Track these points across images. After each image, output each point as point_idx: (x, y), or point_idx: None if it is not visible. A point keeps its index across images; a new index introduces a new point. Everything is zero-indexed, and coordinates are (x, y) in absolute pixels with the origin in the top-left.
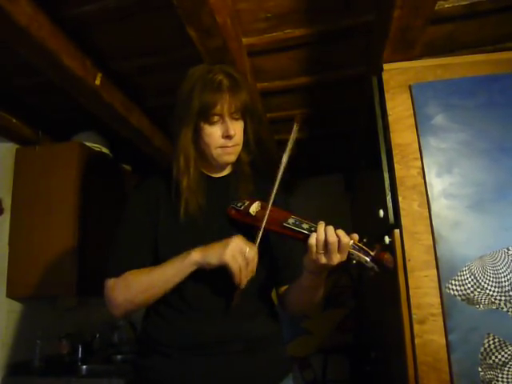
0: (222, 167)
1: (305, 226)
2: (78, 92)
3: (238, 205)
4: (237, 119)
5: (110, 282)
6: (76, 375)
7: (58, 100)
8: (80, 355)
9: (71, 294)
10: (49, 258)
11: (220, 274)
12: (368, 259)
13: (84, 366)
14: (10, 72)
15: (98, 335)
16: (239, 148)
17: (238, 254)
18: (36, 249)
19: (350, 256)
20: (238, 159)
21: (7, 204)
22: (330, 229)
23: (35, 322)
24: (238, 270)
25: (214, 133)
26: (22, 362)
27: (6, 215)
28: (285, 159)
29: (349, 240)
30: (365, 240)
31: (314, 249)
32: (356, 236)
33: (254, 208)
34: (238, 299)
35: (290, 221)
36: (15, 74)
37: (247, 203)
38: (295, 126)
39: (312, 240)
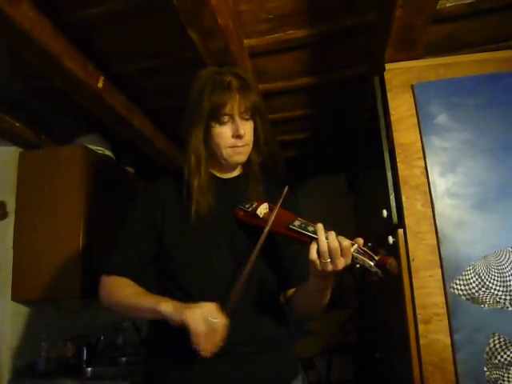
0: (233, 168)
1: (310, 228)
2: (80, 95)
3: (246, 206)
4: (247, 119)
5: (102, 279)
6: (81, 377)
7: (61, 103)
8: (85, 357)
9: (76, 296)
10: (53, 261)
11: (228, 278)
12: (372, 264)
13: (89, 369)
14: (12, 76)
15: (102, 337)
16: (249, 148)
17: (202, 318)
18: (40, 252)
19: (354, 260)
20: (249, 160)
21: (11, 207)
22: (331, 234)
23: (40, 325)
24: (196, 333)
25: (224, 133)
26: (28, 365)
27: (10, 219)
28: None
29: (349, 243)
30: (369, 244)
31: (318, 262)
32: (361, 240)
33: (262, 210)
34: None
35: (296, 223)
36: (18, 77)
37: (255, 205)
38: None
39: (312, 254)
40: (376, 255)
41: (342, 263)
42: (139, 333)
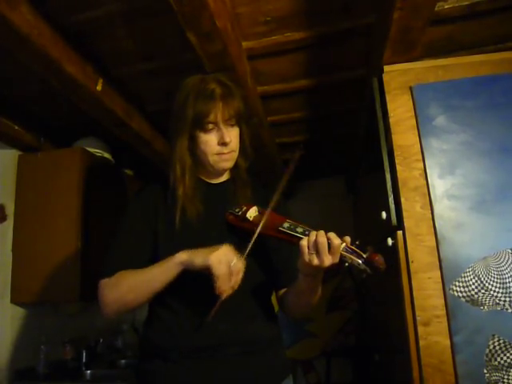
0: (220, 174)
1: (299, 229)
2: (79, 98)
3: (236, 210)
4: (232, 126)
5: (103, 282)
6: (80, 380)
7: (60, 106)
8: (84, 360)
9: (74, 299)
10: (52, 263)
11: None
12: (360, 261)
13: (88, 371)
14: (11, 79)
15: (101, 340)
16: (235, 154)
17: (224, 260)
18: (39, 255)
19: (342, 258)
20: (236, 165)
21: (10, 210)
22: (321, 231)
23: (39, 328)
24: (220, 275)
25: (209, 140)
26: (27, 368)
27: (9, 222)
28: (284, 180)
29: (339, 242)
30: (357, 242)
31: (306, 249)
32: (348, 238)
33: (251, 213)
34: (215, 313)
35: (285, 225)
36: (17, 80)
37: (244, 208)
38: (297, 154)
39: (303, 241)
40: (364, 253)
41: (328, 260)
42: (138, 335)
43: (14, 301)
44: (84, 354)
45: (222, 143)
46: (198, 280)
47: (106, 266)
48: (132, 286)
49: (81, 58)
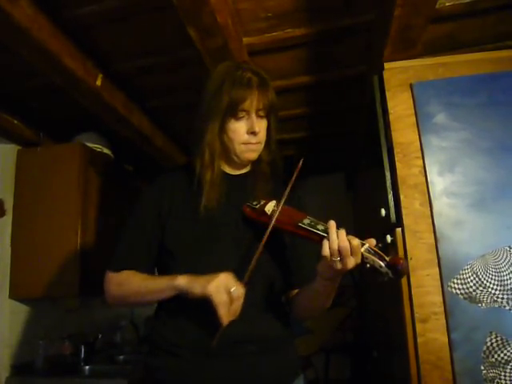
0: (242, 165)
1: (320, 227)
2: (78, 93)
3: (254, 203)
4: (262, 117)
5: (108, 276)
6: (79, 376)
7: (59, 101)
8: (82, 356)
9: (74, 294)
10: (51, 259)
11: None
12: (383, 264)
13: (87, 367)
14: (11, 74)
15: (100, 336)
16: (261, 146)
17: (223, 288)
18: (38, 250)
19: (364, 260)
20: (259, 158)
21: (9, 205)
22: (342, 233)
23: (38, 323)
24: (220, 304)
25: (239, 128)
26: (25, 363)
27: (8, 217)
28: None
29: (359, 242)
30: (380, 245)
31: (329, 258)
32: (373, 241)
33: (269, 207)
34: (218, 338)
35: (305, 221)
36: (16, 75)
37: (263, 202)
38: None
39: (325, 250)
40: (387, 256)
41: (351, 262)
42: (137, 331)
43: (13, 296)
44: (82, 350)
45: (251, 132)
46: None
47: (114, 259)
48: (133, 292)
49: (81, 53)
